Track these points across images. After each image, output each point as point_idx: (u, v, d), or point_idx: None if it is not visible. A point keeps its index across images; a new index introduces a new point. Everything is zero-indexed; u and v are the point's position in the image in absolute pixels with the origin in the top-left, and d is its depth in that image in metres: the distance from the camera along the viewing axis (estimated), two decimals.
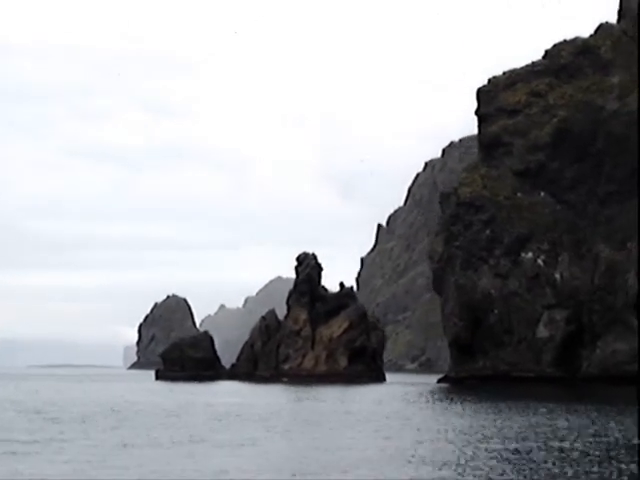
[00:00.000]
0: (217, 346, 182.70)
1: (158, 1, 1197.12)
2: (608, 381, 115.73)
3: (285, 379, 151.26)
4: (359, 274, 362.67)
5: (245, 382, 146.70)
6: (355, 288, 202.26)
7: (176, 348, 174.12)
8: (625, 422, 52.95)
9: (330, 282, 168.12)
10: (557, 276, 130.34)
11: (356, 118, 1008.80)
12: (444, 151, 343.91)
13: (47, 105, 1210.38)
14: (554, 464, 33.45)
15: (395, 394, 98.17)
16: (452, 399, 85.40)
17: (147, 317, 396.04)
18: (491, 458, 35.11)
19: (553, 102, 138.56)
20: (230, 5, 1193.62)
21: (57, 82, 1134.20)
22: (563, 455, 36.41)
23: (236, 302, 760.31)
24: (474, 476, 30.56)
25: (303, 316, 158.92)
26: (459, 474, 30.98)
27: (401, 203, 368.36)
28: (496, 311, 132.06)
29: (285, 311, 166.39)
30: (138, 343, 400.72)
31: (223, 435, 45.72)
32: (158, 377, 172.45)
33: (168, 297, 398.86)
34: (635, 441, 41.95)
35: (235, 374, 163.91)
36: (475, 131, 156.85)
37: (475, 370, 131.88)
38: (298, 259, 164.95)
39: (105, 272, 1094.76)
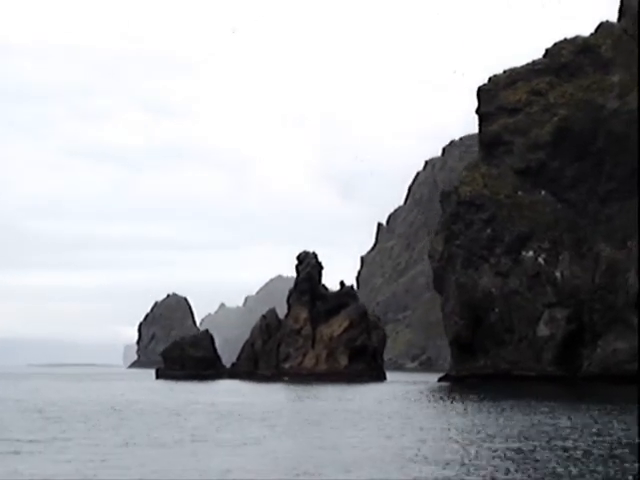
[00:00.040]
0: (217, 345, 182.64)
1: (158, 1, 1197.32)
2: (609, 380, 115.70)
3: (286, 378, 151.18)
4: (359, 273, 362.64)
5: (246, 381, 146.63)
6: (355, 287, 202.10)
7: (177, 347, 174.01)
8: (627, 421, 52.89)
9: (330, 281, 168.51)
10: (558, 275, 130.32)
11: (356, 118, 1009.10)
12: (444, 150, 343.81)
13: (47, 105, 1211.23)
14: (558, 463, 33.37)
15: (396, 393, 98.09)
16: (453, 398, 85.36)
17: (147, 316, 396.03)
18: (495, 457, 35.04)
19: (554, 101, 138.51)
20: (230, 5, 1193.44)
21: (57, 82, 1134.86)
22: (567, 454, 36.34)
23: (236, 301, 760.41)
24: (478, 475, 30.48)
25: (304, 315, 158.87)
26: (464, 473, 30.89)
27: (401, 202, 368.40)
28: (497, 310, 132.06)
29: (285, 310, 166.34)
30: (138, 342, 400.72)
31: (225, 434, 45.66)
32: (158, 376, 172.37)
33: (168, 296, 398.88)
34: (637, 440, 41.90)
35: (236, 373, 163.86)
36: (475, 130, 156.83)
37: (476, 369, 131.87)
38: (299, 258, 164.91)
39: (105, 272, 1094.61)
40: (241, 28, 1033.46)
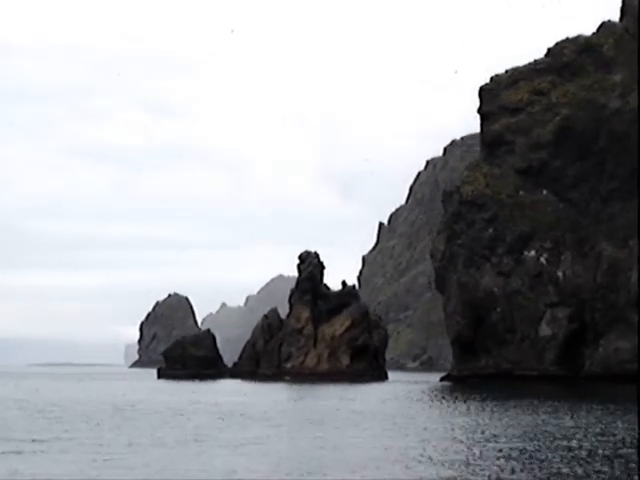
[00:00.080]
0: (218, 344, 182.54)
1: (158, 1, 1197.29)
2: (611, 379, 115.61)
3: (287, 377, 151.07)
4: (360, 273, 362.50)
5: (247, 381, 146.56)
6: (356, 287, 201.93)
7: (178, 346, 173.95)
8: (631, 421, 52.76)
9: (331, 281, 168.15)
10: (560, 274, 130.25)
11: (356, 117, 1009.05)
12: (445, 149, 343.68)
13: (47, 105, 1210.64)
14: (563, 463, 33.25)
15: (398, 393, 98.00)
16: (456, 398, 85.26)
17: (149, 315, 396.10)
18: (500, 457, 34.91)
19: (555, 100, 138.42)
20: (230, 5, 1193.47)
21: (57, 82, 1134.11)
22: (571, 454, 36.22)
23: (237, 301, 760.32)
24: (484, 476, 30.37)
25: (305, 314, 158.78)
26: (469, 474, 30.78)
27: (402, 202, 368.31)
28: (499, 309, 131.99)
29: (287, 309, 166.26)
30: (140, 341, 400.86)
31: (228, 434, 45.57)
32: (160, 375, 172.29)
33: (170, 295, 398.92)
34: None
35: (237, 373, 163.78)
36: (477, 129, 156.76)
37: (478, 368, 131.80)
38: (300, 257, 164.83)
39: (105, 272, 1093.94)
40: (241, 28, 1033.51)
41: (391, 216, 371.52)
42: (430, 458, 34.65)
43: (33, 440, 41.52)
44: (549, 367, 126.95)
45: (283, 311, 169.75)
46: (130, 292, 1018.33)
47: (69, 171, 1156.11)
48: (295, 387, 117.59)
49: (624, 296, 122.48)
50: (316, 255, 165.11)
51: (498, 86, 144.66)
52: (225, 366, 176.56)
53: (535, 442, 40.74)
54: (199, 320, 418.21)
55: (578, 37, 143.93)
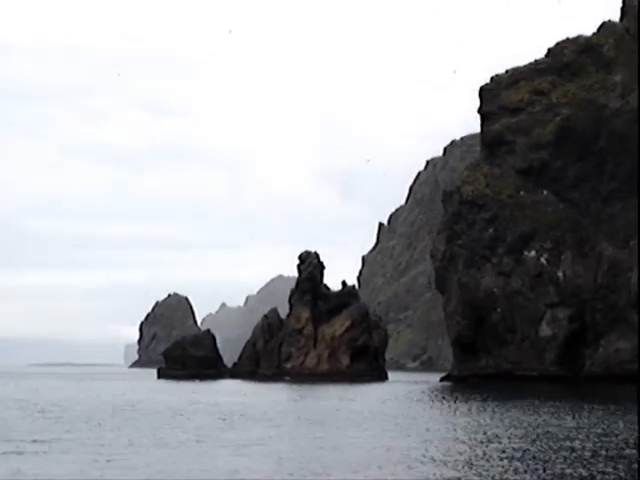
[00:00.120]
0: (218, 345, 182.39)
1: (158, 1, 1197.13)
2: (611, 380, 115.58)
3: (287, 378, 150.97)
4: (360, 273, 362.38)
5: (247, 381, 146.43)
6: (356, 287, 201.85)
7: (178, 346, 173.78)
8: (633, 421, 52.67)
9: (331, 281, 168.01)
10: (560, 274, 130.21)
11: (356, 117, 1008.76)
12: (445, 150, 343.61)
13: (47, 105, 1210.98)
14: (567, 464, 33.10)
15: (398, 393, 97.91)
16: (456, 398, 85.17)
17: (148, 315, 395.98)
18: (503, 458, 34.78)
19: (556, 100, 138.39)
20: (230, 5, 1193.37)
21: (57, 82, 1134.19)
22: (575, 455, 36.09)
23: (237, 301, 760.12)
24: (487, 477, 30.25)
25: (305, 314, 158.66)
26: (474, 474, 30.63)
27: (402, 202, 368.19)
28: (499, 309, 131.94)
29: (287, 309, 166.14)
30: (139, 341, 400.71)
31: (229, 434, 45.47)
32: (160, 375, 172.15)
33: (169, 295, 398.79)
34: None
35: (237, 373, 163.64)
36: (477, 129, 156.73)
37: (478, 369, 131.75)
38: (300, 257, 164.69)
39: (105, 272, 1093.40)
40: (241, 28, 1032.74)
41: (391, 216, 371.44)
42: (433, 459, 34.54)
43: (34, 440, 41.40)
44: (549, 367, 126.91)
45: (283, 311, 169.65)
46: (130, 292, 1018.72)
47: (69, 171, 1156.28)
48: (295, 387, 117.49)
49: (624, 296, 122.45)
50: (316, 255, 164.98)
51: (498, 86, 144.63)
52: (225, 366, 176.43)
53: (538, 443, 40.64)
54: (199, 320, 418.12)
55: (578, 37, 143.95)
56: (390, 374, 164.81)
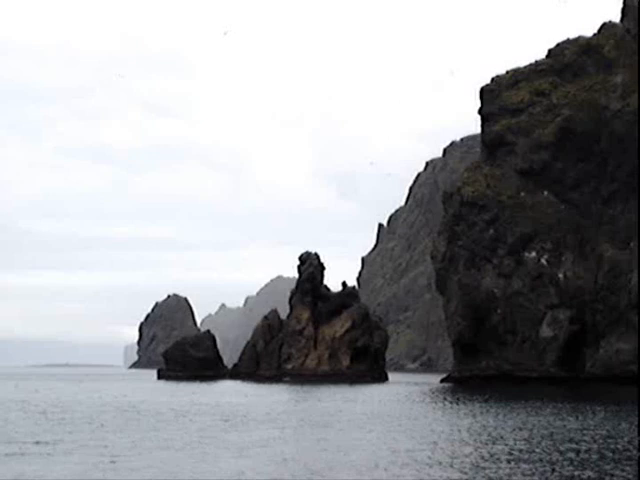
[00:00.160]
0: (218, 345, 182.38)
1: (158, 2, 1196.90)
2: (612, 381, 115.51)
3: (287, 378, 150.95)
4: (360, 274, 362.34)
5: (247, 382, 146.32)
6: (356, 288, 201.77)
7: (178, 347, 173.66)
8: (635, 422, 52.57)
9: (330, 282, 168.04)
10: (560, 276, 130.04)
11: (356, 118, 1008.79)
12: (445, 151, 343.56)
13: (47, 105, 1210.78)
14: (574, 466, 32.92)
15: (399, 394, 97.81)
16: (458, 399, 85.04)
17: (148, 316, 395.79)
18: (510, 460, 34.56)
19: (556, 101, 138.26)
20: (230, 5, 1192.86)
21: (57, 82, 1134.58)
22: (582, 457, 35.87)
23: (237, 302, 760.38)
24: (496, 479, 30.15)
25: (306, 315, 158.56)
26: (481, 477, 30.51)
27: (402, 203, 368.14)
28: (499, 311, 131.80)
29: (286, 310, 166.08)
30: (139, 342, 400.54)
31: (232, 436, 45.33)
32: (160, 376, 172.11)
33: (169, 296, 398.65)
34: None
35: (237, 374, 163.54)
36: (476, 130, 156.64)
37: (478, 370, 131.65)
38: (301, 258, 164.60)
39: (105, 272, 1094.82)
40: (240, 28, 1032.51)
41: (390, 217, 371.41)
42: (439, 461, 34.36)
43: (37, 442, 41.28)
44: (550, 368, 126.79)
45: (283, 312, 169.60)
46: (129, 293, 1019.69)
47: (69, 172, 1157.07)
48: (296, 388, 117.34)
49: (625, 298, 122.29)
50: (316, 256, 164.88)
51: (499, 87, 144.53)
52: (225, 367, 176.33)
53: (543, 444, 40.48)
54: (198, 321, 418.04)
55: (579, 38, 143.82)
56: (390, 375, 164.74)
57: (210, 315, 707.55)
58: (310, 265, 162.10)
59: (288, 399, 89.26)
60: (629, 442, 41.57)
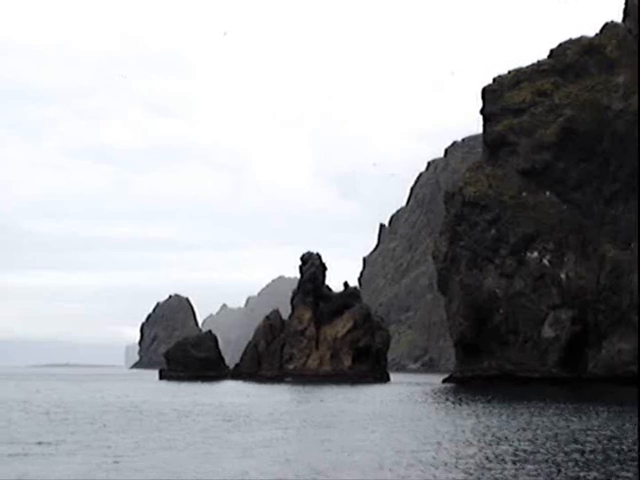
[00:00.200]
0: (219, 346, 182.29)
1: (158, 1, 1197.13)
2: (613, 381, 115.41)
3: (288, 379, 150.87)
4: (361, 274, 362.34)
5: (249, 382, 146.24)
6: (358, 288, 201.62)
7: (180, 348, 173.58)
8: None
9: (332, 282, 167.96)
10: (562, 276, 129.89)
11: (357, 118, 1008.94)
12: (446, 151, 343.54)
13: (47, 105, 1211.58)
14: (580, 467, 32.79)
15: (402, 394, 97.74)
16: (460, 399, 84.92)
17: (149, 317, 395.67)
18: (515, 461, 34.39)
19: (558, 101, 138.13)
20: (230, 5, 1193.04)
21: (57, 82, 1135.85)
22: (587, 458, 35.75)
23: (238, 302, 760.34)
24: (500, 479, 30.06)
25: (307, 316, 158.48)
26: (487, 478, 30.40)
27: (403, 203, 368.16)
28: (501, 311, 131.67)
29: (288, 311, 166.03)
30: (140, 343, 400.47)
31: (235, 436, 45.23)
32: (162, 377, 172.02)
33: (170, 297, 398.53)
34: None
35: (239, 374, 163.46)
36: (477, 131, 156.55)
37: (480, 370, 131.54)
38: (302, 258, 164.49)
39: (106, 272, 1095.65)
40: (240, 29, 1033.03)
41: (392, 217, 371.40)
42: (444, 462, 34.24)
43: (39, 442, 41.17)
44: (552, 369, 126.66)
45: (284, 312, 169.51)
46: (130, 293, 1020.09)
47: (69, 171, 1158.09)
48: (297, 388, 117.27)
49: (627, 298, 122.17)
50: (318, 256, 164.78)
51: (501, 87, 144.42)
52: (227, 367, 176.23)
53: (548, 445, 40.37)
54: (199, 321, 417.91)
55: (581, 38, 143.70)
56: (391, 375, 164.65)
57: (211, 315, 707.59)
58: (312, 265, 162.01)
59: (290, 399, 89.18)
60: (633, 443, 41.47)
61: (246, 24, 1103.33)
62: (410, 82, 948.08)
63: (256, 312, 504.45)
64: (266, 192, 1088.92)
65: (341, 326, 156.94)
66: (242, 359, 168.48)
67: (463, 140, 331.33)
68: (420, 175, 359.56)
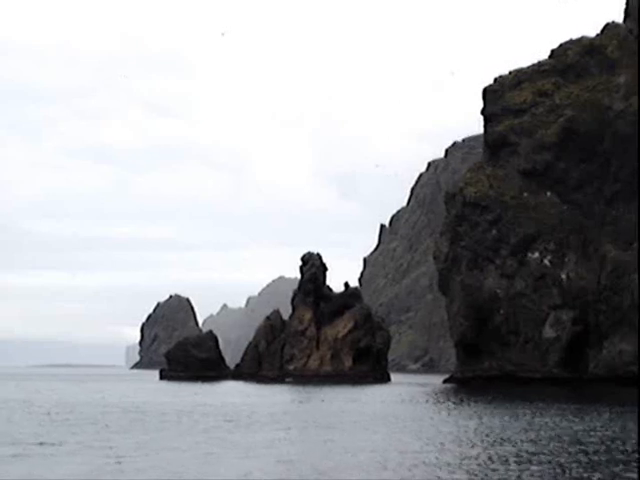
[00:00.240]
0: (220, 346, 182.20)
1: (158, 1, 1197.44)
2: (615, 382, 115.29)
3: (289, 379, 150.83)
4: (362, 274, 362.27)
5: (249, 382, 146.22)
6: (358, 288, 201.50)
7: (180, 348, 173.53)
8: None
9: (332, 282, 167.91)
10: (563, 276, 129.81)
11: (356, 118, 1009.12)
12: (447, 151, 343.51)
13: (47, 105, 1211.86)
14: (584, 468, 32.68)
15: (403, 395, 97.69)
16: (462, 400, 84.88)
17: (150, 317, 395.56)
18: (519, 462, 34.25)
19: (559, 102, 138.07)
20: (230, 5, 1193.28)
21: (57, 82, 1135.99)
22: (589, 458, 35.68)
23: (238, 302, 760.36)
24: None
25: (308, 316, 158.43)
26: (491, 479, 30.35)
27: (404, 203, 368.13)
28: (502, 311, 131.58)
29: (288, 311, 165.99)
30: (141, 343, 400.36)
31: (238, 437, 45.17)
32: (162, 377, 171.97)
33: (171, 297, 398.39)
34: None
35: (239, 374, 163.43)
36: (478, 131, 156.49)
37: (481, 370, 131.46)
38: (303, 259, 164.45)
39: (106, 272, 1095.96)
40: (241, 28, 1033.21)
41: (392, 218, 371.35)
42: (448, 463, 34.17)
43: (41, 443, 41.13)
44: (553, 369, 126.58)
45: (284, 313, 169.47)
46: (130, 293, 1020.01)
47: (69, 171, 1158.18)
48: (298, 389, 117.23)
49: (628, 298, 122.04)
50: (319, 257, 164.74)
51: (502, 87, 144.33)
52: (227, 368, 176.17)
53: (551, 446, 40.30)
54: (200, 321, 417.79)
55: (582, 38, 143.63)
56: (392, 376, 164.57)
57: (212, 315, 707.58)
58: (312, 265, 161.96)
59: (291, 400, 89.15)
60: (637, 444, 41.40)
61: (246, 24, 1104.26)
62: (410, 82, 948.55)
63: (256, 312, 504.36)
64: (266, 192, 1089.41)
65: (342, 326, 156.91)
66: (243, 359, 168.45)
67: (463, 140, 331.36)
68: (420, 175, 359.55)
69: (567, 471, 31.98)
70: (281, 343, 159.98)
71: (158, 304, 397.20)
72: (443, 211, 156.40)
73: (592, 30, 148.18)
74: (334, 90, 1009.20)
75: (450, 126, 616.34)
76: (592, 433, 46.75)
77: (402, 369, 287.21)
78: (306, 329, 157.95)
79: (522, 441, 42.41)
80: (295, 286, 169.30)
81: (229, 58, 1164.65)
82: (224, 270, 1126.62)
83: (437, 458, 35.48)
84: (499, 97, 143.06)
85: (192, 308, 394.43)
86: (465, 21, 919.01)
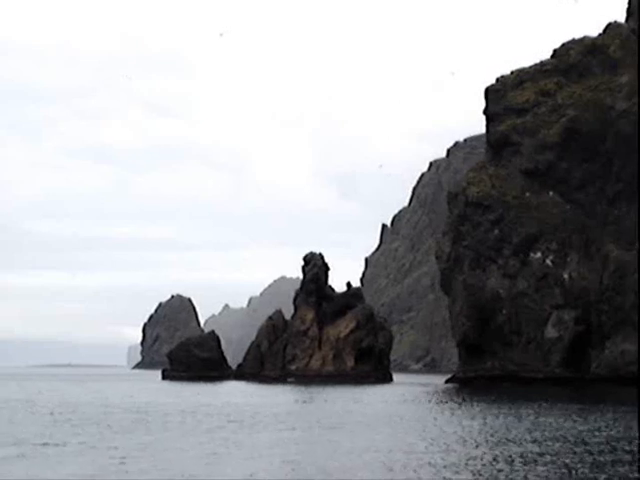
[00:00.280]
0: (222, 346, 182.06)
1: (158, 1, 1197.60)
2: (617, 382, 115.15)
3: (291, 379, 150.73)
4: (363, 274, 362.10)
5: (252, 382, 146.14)
6: (360, 288, 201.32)
7: (183, 348, 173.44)
8: None
9: (334, 282, 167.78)
10: (566, 276, 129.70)
11: (356, 118, 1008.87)
12: (449, 151, 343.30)
13: (47, 105, 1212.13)
14: (589, 469, 32.60)
15: (405, 395, 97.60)
16: (465, 400, 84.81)
17: (151, 317, 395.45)
18: (525, 462, 34.24)
19: (562, 101, 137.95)
20: (230, 5, 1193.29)
21: (57, 82, 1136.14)
22: (593, 459, 35.59)
23: (240, 302, 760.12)
24: None
25: (310, 316, 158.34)
26: (497, 479, 30.28)
27: (405, 203, 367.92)
28: (504, 311, 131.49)
29: (290, 311, 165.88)
30: (142, 343, 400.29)
31: (242, 437, 45.10)
32: (164, 377, 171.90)
33: (172, 297, 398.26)
34: None
35: (241, 374, 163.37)
36: (480, 131, 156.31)
37: (483, 370, 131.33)
38: (305, 259, 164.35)
39: (106, 273, 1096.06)
40: (241, 28, 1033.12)
41: (394, 218, 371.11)
42: (454, 463, 34.06)
43: (45, 443, 41.05)
44: (555, 369, 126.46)
45: (286, 313, 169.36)
46: (130, 293, 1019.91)
47: (69, 171, 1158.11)
48: (300, 389, 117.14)
49: (630, 298, 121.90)
50: (321, 257, 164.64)
51: (504, 87, 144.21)
52: (229, 368, 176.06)
53: (556, 446, 40.19)
54: (201, 321, 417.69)
55: (584, 38, 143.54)
56: (394, 376, 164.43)
57: (214, 315, 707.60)
58: (314, 266, 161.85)
59: (294, 400, 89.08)
60: (639, 443, 41.40)
61: (246, 24, 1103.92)
62: (410, 82, 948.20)
63: (258, 312, 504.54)
64: (266, 192, 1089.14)
65: (344, 326, 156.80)
66: (245, 359, 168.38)
67: (465, 140, 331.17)
68: (422, 175, 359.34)
69: (573, 471, 31.89)
70: (283, 343, 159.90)
71: (160, 304, 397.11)
72: (445, 211, 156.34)
73: (594, 30, 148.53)
74: (334, 90, 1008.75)
75: (450, 126, 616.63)
76: (597, 433, 46.66)
77: (404, 369, 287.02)
78: (308, 329, 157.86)
79: (527, 441, 42.32)
80: (297, 286, 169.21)
81: (229, 58, 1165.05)
82: (224, 270, 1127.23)
83: (443, 459, 35.36)
84: (501, 97, 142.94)
85: (194, 308, 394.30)
86: (466, 21, 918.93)
